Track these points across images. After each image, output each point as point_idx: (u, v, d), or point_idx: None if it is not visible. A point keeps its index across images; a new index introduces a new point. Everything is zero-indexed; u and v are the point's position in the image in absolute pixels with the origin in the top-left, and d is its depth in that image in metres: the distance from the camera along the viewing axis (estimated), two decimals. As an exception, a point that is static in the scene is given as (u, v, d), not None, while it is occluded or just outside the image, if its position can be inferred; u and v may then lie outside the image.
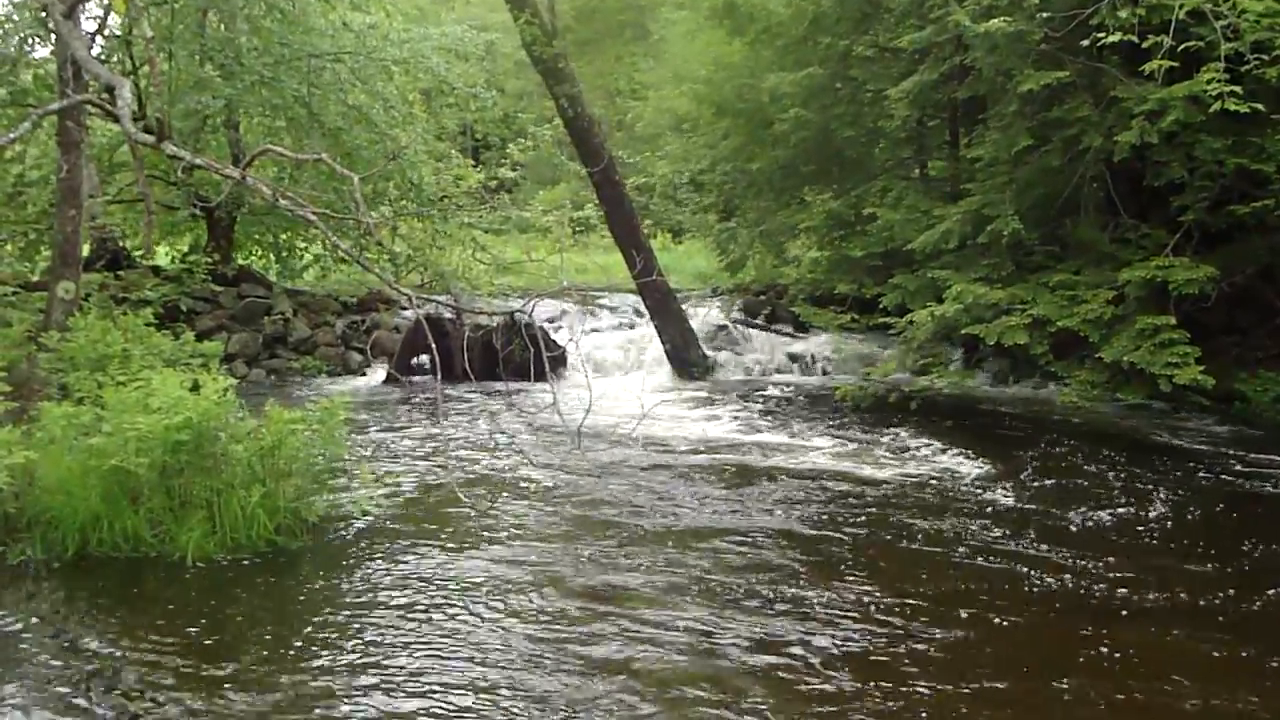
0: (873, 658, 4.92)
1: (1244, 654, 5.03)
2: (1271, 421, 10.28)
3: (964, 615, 5.44)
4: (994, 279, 10.87)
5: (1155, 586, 5.91)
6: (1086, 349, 10.33)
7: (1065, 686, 4.64)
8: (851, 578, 6.04)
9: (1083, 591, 5.82)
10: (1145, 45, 8.75)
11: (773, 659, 4.88)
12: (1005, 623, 5.36)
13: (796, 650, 4.97)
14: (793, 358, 15.48)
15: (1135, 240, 10.67)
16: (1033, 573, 6.11)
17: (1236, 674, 4.83)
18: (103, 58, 13.98)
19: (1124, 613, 5.52)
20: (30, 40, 13.13)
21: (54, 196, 10.57)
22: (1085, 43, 9.33)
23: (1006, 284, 10.78)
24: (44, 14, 10.09)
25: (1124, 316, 9.98)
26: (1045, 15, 9.93)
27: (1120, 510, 7.50)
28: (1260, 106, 8.48)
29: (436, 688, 4.58)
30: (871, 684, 4.63)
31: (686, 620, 5.32)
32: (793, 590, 5.80)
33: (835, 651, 4.97)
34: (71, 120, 8.95)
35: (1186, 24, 8.65)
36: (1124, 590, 5.83)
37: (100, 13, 13.09)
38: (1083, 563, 6.29)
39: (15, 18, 12.89)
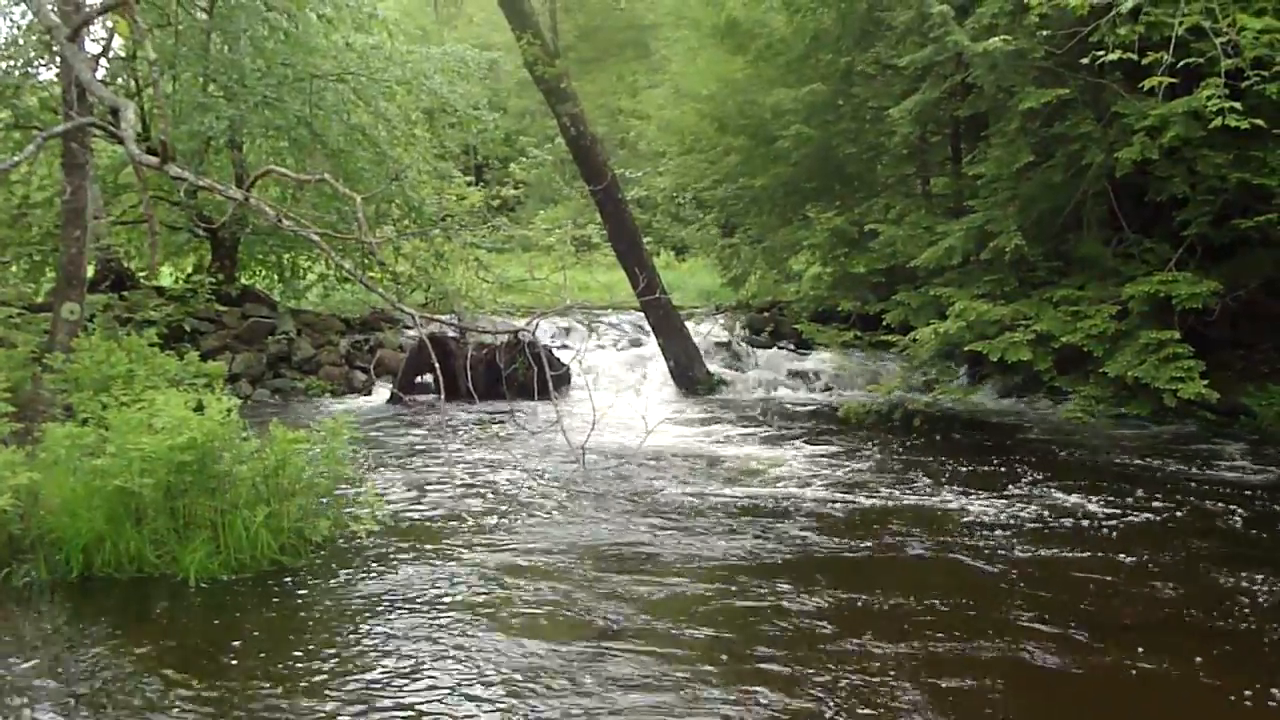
0: (880, 683, 4.90)
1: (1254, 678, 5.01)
2: (1277, 435, 10.25)
3: (968, 634, 5.42)
4: (997, 295, 10.88)
5: (1160, 605, 5.89)
6: (1090, 364, 10.32)
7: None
8: (854, 600, 6.02)
9: (1088, 614, 5.81)
10: (1145, 62, 8.76)
11: (769, 691, 4.85)
12: (1010, 647, 5.35)
13: (790, 679, 4.95)
14: (796, 375, 15.48)
15: (1138, 255, 10.67)
16: (1036, 598, 6.10)
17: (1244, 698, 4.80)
18: (107, 80, 14.07)
19: (1130, 632, 5.50)
20: (35, 63, 13.25)
21: (59, 218, 10.61)
22: (1086, 60, 9.35)
23: (1010, 300, 10.78)
24: (49, 37, 10.16)
25: (1128, 331, 9.96)
26: (1045, 33, 9.96)
27: (1128, 530, 7.47)
28: (1261, 122, 8.49)
29: (439, 709, 4.56)
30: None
31: (686, 651, 5.29)
32: (790, 616, 5.78)
33: (828, 678, 4.94)
34: (76, 142, 8.99)
35: (1186, 41, 8.66)
36: (1131, 609, 5.81)
37: (104, 35, 13.16)
38: (1085, 584, 6.28)
39: (20, 41, 13.01)
